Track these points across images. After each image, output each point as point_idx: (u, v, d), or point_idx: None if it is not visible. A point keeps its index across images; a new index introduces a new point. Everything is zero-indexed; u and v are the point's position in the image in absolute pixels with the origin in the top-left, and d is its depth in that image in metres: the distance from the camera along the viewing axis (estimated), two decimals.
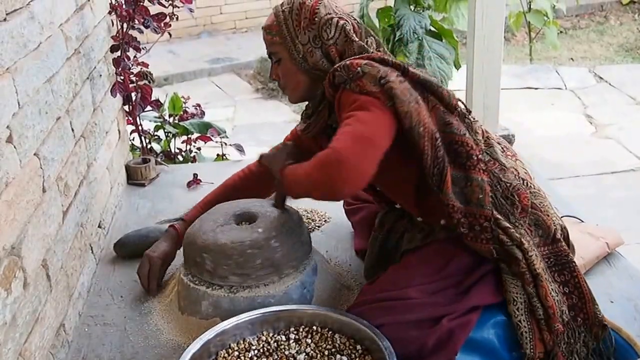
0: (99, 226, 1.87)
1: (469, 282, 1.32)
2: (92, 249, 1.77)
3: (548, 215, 1.37)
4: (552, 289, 1.30)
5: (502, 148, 1.43)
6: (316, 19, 1.40)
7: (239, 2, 6.69)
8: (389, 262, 1.58)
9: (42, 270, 1.34)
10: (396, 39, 2.47)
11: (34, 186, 1.33)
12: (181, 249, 1.60)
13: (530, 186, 1.39)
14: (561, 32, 6.05)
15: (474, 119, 1.40)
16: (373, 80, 1.26)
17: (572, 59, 5.62)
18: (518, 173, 1.38)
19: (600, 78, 5.12)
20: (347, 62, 1.31)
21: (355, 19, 1.45)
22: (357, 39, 1.39)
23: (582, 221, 1.83)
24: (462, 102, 1.40)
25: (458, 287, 1.32)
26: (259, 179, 1.71)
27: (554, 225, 1.36)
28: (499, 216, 1.30)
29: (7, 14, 1.25)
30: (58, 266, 1.45)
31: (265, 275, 1.45)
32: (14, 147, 1.23)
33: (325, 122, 1.47)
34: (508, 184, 1.34)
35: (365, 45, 1.39)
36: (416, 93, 1.29)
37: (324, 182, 1.22)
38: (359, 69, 1.28)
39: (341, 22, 1.40)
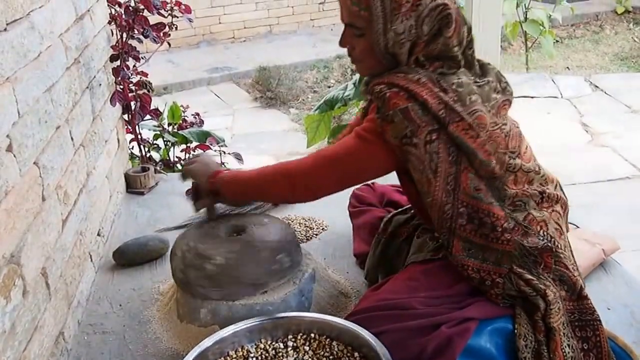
0: (98, 234, 1.88)
1: (473, 301, 1.31)
2: (91, 257, 1.77)
3: (573, 272, 1.33)
4: (567, 345, 1.25)
5: (541, 198, 1.34)
6: (420, 5, 1.21)
7: (237, 12, 6.73)
8: (391, 265, 1.59)
9: (41, 279, 1.35)
10: None
11: (34, 195, 1.34)
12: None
13: (557, 245, 1.32)
14: (557, 41, 6.09)
15: (526, 170, 1.32)
16: (396, 134, 1.22)
17: (568, 67, 5.65)
18: (547, 229, 1.32)
19: (596, 87, 5.15)
20: (387, 95, 1.22)
21: (456, 4, 1.27)
22: (448, 34, 1.23)
23: (578, 227, 1.84)
24: (507, 162, 1.29)
25: (461, 303, 1.31)
26: None
27: (580, 282, 1.33)
28: (520, 270, 1.27)
29: (7, 24, 1.27)
30: (57, 274, 1.46)
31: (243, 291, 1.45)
32: (14, 155, 1.24)
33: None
34: (531, 248, 1.29)
35: (450, 44, 1.25)
36: (438, 160, 1.22)
37: (272, 189, 1.39)
38: (391, 112, 1.21)
39: (445, 11, 1.22)
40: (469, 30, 1.29)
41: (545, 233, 1.32)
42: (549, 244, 1.31)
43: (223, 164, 2.03)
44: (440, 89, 1.23)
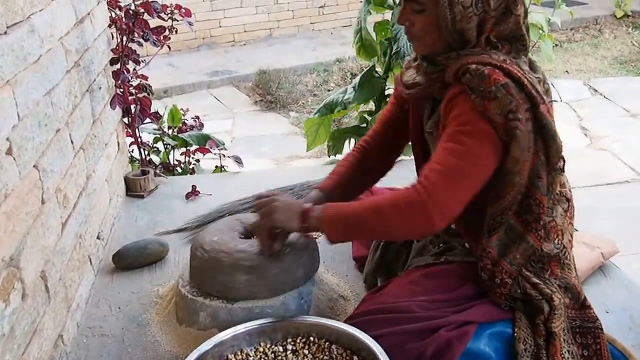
0: (98, 238, 1.88)
1: (472, 305, 1.31)
2: (90, 261, 1.77)
3: (576, 282, 1.35)
4: (567, 350, 1.26)
5: (568, 206, 1.35)
6: None
7: (237, 15, 6.74)
8: (389, 269, 1.59)
9: (40, 282, 1.35)
10: (393, 52, 2.50)
11: (33, 198, 1.34)
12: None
13: (566, 256, 1.35)
14: (556, 45, 6.10)
15: (562, 173, 1.32)
16: (501, 110, 1.16)
17: (567, 71, 5.66)
18: (562, 238, 1.33)
19: (595, 90, 5.16)
20: (485, 72, 1.18)
21: None
22: (518, 12, 1.23)
23: (577, 230, 1.84)
24: (563, 159, 1.29)
25: (460, 307, 1.31)
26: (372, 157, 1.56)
27: (583, 293, 1.35)
28: (527, 273, 1.29)
29: (7, 27, 1.27)
30: (57, 277, 1.46)
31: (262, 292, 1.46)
32: (14, 158, 1.24)
33: (430, 95, 1.36)
34: (545, 254, 1.30)
35: (521, 22, 1.24)
36: (531, 139, 1.20)
37: (401, 224, 1.22)
38: (493, 88, 1.16)
39: None
40: (526, 11, 1.27)
41: (559, 242, 1.33)
42: (560, 254, 1.32)
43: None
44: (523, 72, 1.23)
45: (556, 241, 1.32)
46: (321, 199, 1.46)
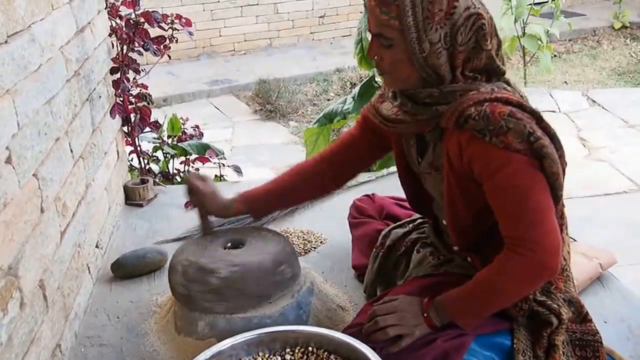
0: (97, 246, 1.88)
1: None
2: (89, 269, 1.77)
3: (578, 298, 1.36)
4: None
5: (562, 216, 1.34)
6: (454, 14, 1.17)
7: (237, 25, 6.78)
8: (389, 279, 1.59)
9: (38, 291, 1.35)
10: None
11: (32, 206, 1.34)
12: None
13: (566, 269, 1.36)
14: (555, 56, 6.13)
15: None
16: (520, 137, 1.15)
17: (565, 82, 5.69)
18: (562, 250, 1.30)
19: (594, 101, 5.18)
20: (487, 110, 1.16)
21: (488, 12, 1.22)
22: (488, 47, 1.21)
23: (575, 240, 1.85)
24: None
25: None
26: (329, 171, 1.56)
27: (585, 307, 1.35)
28: (530, 293, 1.28)
29: (8, 36, 1.28)
30: (55, 286, 1.46)
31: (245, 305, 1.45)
32: (13, 167, 1.25)
33: (419, 132, 1.34)
34: None
35: (493, 55, 1.23)
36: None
37: (526, 287, 1.22)
38: (502, 122, 1.15)
39: (480, 21, 1.18)
40: (499, 43, 1.27)
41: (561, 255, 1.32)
42: (564, 266, 1.33)
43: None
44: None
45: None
46: (239, 202, 1.54)
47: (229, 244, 1.56)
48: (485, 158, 1.18)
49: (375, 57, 1.27)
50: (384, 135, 1.45)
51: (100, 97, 2.04)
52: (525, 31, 4.97)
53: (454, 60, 1.20)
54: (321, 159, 1.57)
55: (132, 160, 2.59)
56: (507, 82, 1.29)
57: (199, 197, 1.55)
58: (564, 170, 1.23)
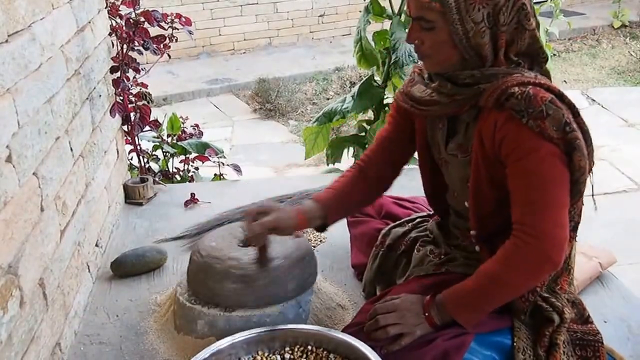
0: (96, 245, 1.88)
1: None
2: (89, 268, 1.77)
3: (581, 300, 1.37)
4: None
5: (576, 224, 1.34)
6: None
7: (237, 24, 6.77)
8: (388, 278, 1.59)
9: (38, 289, 1.35)
10: (392, 61, 2.51)
11: (32, 205, 1.34)
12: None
13: (571, 271, 1.36)
14: (554, 55, 6.14)
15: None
16: (557, 125, 1.15)
17: (565, 81, 5.69)
18: (570, 253, 1.33)
19: (593, 100, 5.18)
20: (530, 92, 1.16)
21: None
22: (531, 26, 1.21)
23: (576, 241, 1.85)
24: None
25: None
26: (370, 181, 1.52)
27: (588, 309, 1.36)
28: (538, 288, 1.28)
29: (8, 36, 1.28)
30: (55, 285, 1.46)
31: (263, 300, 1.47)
32: (13, 166, 1.25)
33: (450, 115, 1.33)
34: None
35: (537, 35, 1.23)
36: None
37: (526, 279, 1.22)
38: (543, 106, 1.15)
39: (520, 1, 1.19)
40: (538, 24, 1.26)
41: (567, 256, 1.33)
42: (566, 270, 1.34)
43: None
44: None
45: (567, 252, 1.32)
46: (315, 209, 1.44)
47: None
48: (518, 140, 1.18)
49: (416, 41, 1.27)
50: (413, 121, 1.44)
51: (100, 96, 2.04)
52: None
53: (497, 40, 1.21)
54: (368, 162, 1.52)
55: (132, 159, 2.60)
56: (548, 75, 1.29)
57: (272, 231, 1.41)
58: (590, 169, 1.24)
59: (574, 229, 1.27)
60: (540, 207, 1.18)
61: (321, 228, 1.50)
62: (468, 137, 1.31)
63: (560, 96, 1.20)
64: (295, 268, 1.49)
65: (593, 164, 1.25)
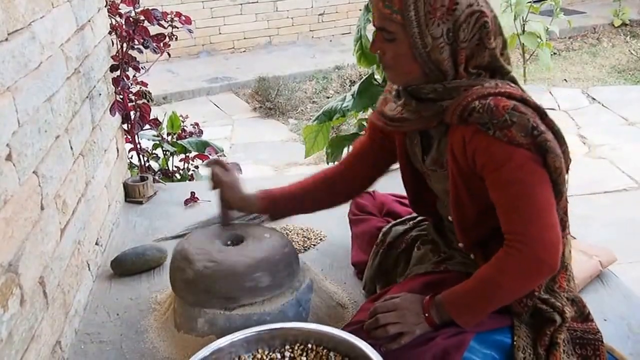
0: (96, 244, 1.88)
1: None
2: (89, 267, 1.77)
3: (580, 298, 1.37)
4: None
5: (563, 219, 1.32)
6: (456, 10, 1.18)
7: (237, 22, 6.77)
8: (389, 276, 1.59)
9: (39, 288, 1.35)
10: None
11: (32, 204, 1.35)
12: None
13: (569, 268, 1.36)
14: (554, 53, 6.13)
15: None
16: (524, 131, 1.16)
17: (565, 80, 5.68)
18: (564, 251, 1.31)
19: (593, 99, 5.18)
20: (491, 104, 1.16)
21: (492, 11, 1.23)
22: (491, 45, 1.22)
23: (575, 238, 1.85)
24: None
25: None
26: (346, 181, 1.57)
27: (588, 307, 1.36)
28: (537, 288, 1.28)
29: (8, 34, 1.28)
30: (55, 283, 1.46)
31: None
32: (13, 165, 1.25)
33: (420, 130, 1.35)
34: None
35: (497, 54, 1.23)
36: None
37: (523, 284, 1.22)
38: (506, 116, 1.15)
39: (482, 19, 1.19)
40: (504, 42, 1.27)
41: (562, 255, 1.31)
42: (567, 265, 1.34)
43: None
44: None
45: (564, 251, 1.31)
46: (256, 200, 1.53)
47: (230, 239, 1.56)
48: (489, 152, 1.18)
49: (379, 52, 1.28)
50: (391, 138, 1.46)
51: (100, 94, 2.04)
52: (525, 29, 4.96)
53: (457, 56, 1.21)
54: (339, 169, 1.57)
55: (131, 157, 2.60)
56: (513, 80, 1.29)
57: (219, 185, 1.55)
58: (567, 167, 1.24)
59: (563, 227, 1.27)
60: (526, 213, 1.18)
61: (271, 217, 1.59)
62: (441, 152, 1.33)
63: (524, 101, 1.20)
64: (255, 271, 1.44)
65: (570, 161, 1.25)
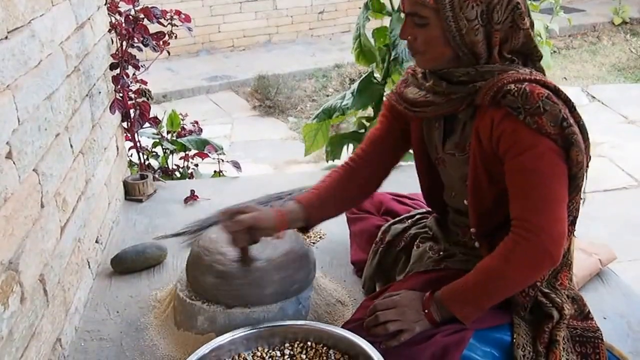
0: (96, 241, 1.88)
1: None
2: (89, 264, 1.78)
3: (581, 296, 1.37)
4: (566, 359, 1.26)
5: (574, 218, 1.33)
6: None
7: (237, 20, 6.76)
8: (388, 274, 1.59)
9: (39, 285, 1.35)
10: (391, 58, 2.51)
11: (33, 202, 1.35)
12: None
13: (571, 266, 1.37)
14: (554, 52, 6.13)
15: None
16: (554, 121, 1.16)
17: (565, 78, 5.68)
18: (569, 248, 1.33)
19: (593, 97, 5.18)
20: (527, 89, 1.16)
21: None
22: (525, 25, 1.21)
23: (575, 236, 1.85)
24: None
25: None
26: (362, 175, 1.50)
27: (588, 305, 1.36)
28: (538, 282, 1.28)
29: (8, 32, 1.28)
30: (55, 281, 1.46)
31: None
32: (13, 162, 1.25)
33: (447, 114, 1.32)
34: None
35: (531, 34, 1.23)
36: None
37: (526, 275, 1.21)
38: (540, 103, 1.15)
39: (514, 0, 1.20)
40: (532, 23, 1.25)
41: (566, 251, 1.33)
42: (566, 266, 1.34)
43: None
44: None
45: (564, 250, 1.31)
46: (297, 211, 1.42)
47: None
48: (515, 137, 1.18)
49: (409, 37, 1.27)
50: (408, 123, 1.44)
51: (100, 92, 2.04)
52: None
53: (491, 38, 1.21)
54: (356, 161, 1.50)
55: (131, 155, 2.60)
56: (542, 70, 1.29)
57: (251, 232, 1.39)
58: (587, 163, 1.25)
59: (572, 224, 1.27)
60: (539, 202, 1.18)
61: (304, 229, 1.49)
62: (465, 136, 1.32)
63: (556, 92, 1.20)
64: (276, 273, 1.45)
65: (590, 159, 1.26)
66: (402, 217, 1.67)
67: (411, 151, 1.51)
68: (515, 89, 1.17)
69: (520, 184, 1.21)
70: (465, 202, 1.37)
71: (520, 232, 1.20)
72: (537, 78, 1.21)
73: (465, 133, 1.32)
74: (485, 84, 1.21)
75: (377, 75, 2.70)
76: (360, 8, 2.66)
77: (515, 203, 1.22)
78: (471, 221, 1.37)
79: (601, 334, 1.32)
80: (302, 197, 1.45)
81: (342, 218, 1.87)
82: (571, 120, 1.18)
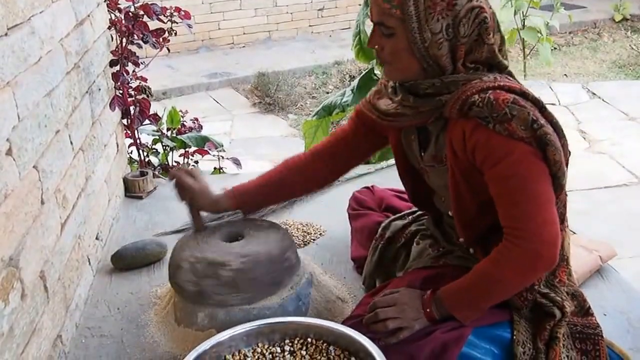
0: (97, 238, 1.88)
1: None
2: (89, 261, 1.78)
3: (581, 292, 1.37)
4: (566, 356, 1.27)
5: (563, 214, 1.32)
6: (456, 5, 1.17)
7: (236, 17, 6.76)
8: (388, 271, 1.59)
9: (39, 282, 1.35)
10: None
11: (33, 198, 1.35)
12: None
13: (568, 261, 1.36)
14: (555, 48, 6.12)
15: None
16: (524, 124, 1.15)
17: (565, 75, 5.68)
18: (563, 244, 1.31)
19: (594, 94, 5.17)
20: (491, 98, 1.16)
21: (491, 8, 1.23)
22: (490, 40, 1.22)
23: (575, 233, 1.85)
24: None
25: None
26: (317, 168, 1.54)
27: (588, 301, 1.36)
28: (537, 282, 1.28)
29: (8, 29, 1.27)
30: (55, 277, 1.46)
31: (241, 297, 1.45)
32: (14, 159, 1.25)
33: (417, 125, 1.34)
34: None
35: (495, 50, 1.23)
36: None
37: (523, 278, 1.22)
38: (506, 109, 1.15)
39: (482, 14, 1.19)
40: (503, 39, 1.27)
41: (561, 248, 1.31)
42: (563, 261, 1.33)
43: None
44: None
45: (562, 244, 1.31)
46: (225, 199, 1.51)
47: (228, 237, 1.56)
48: (489, 146, 1.18)
49: (376, 47, 1.27)
50: (379, 131, 1.45)
51: (99, 89, 2.04)
52: (525, 23, 4.95)
53: (456, 51, 1.21)
54: (313, 154, 1.54)
55: (131, 152, 2.60)
56: (510, 74, 1.29)
57: (189, 194, 1.51)
58: (567, 160, 1.24)
59: (562, 220, 1.27)
60: (526, 207, 1.18)
61: (245, 212, 1.59)
62: (439, 148, 1.32)
63: (523, 94, 1.20)
64: (255, 272, 1.43)
65: (570, 154, 1.25)
66: (402, 213, 1.67)
67: None
68: (480, 99, 1.17)
69: (504, 192, 1.21)
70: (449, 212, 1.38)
71: (512, 239, 1.20)
72: (502, 84, 1.20)
73: (439, 145, 1.32)
74: (450, 96, 1.21)
75: (377, 72, 2.70)
76: (360, 5, 2.66)
77: (502, 211, 1.22)
78: (458, 231, 1.38)
79: (601, 331, 1.32)
80: (240, 185, 1.54)
81: (343, 215, 1.87)
82: (542, 121, 1.17)
